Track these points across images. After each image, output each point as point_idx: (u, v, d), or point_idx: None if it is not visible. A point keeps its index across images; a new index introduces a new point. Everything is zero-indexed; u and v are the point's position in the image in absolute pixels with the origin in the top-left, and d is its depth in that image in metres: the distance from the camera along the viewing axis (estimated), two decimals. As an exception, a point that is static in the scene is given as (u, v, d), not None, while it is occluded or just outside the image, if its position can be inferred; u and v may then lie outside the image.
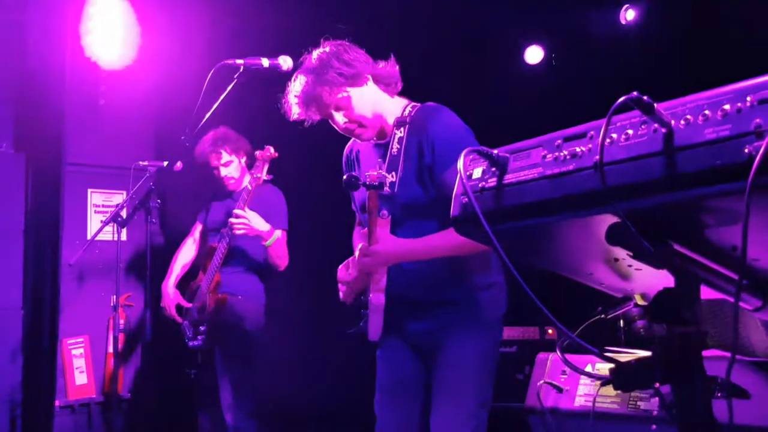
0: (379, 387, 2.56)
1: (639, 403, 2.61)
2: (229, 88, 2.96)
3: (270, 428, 4.38)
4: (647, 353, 1.25)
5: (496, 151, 1.26)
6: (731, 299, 1.10)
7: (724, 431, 1.16)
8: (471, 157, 1.31)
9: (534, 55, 5.17)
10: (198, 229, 4.39)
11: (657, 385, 1.23)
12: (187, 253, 4.35)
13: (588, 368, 2.78)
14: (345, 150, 2.70)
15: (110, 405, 4.82)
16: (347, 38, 2.46)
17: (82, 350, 4.93)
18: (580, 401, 2.80)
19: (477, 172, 1.29)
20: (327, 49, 2.39)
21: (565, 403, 2.83)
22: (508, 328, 4.40)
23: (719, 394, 1.18)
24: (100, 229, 4.46)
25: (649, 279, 1.27)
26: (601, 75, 4.38)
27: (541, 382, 2.92)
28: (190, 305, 4.15)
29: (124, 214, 4.31)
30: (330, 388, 4.99)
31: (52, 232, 4.21)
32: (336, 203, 2.55)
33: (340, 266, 2.51)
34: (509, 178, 1.22)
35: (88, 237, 4.92)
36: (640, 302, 1.40)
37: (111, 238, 4.54)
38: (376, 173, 2.25)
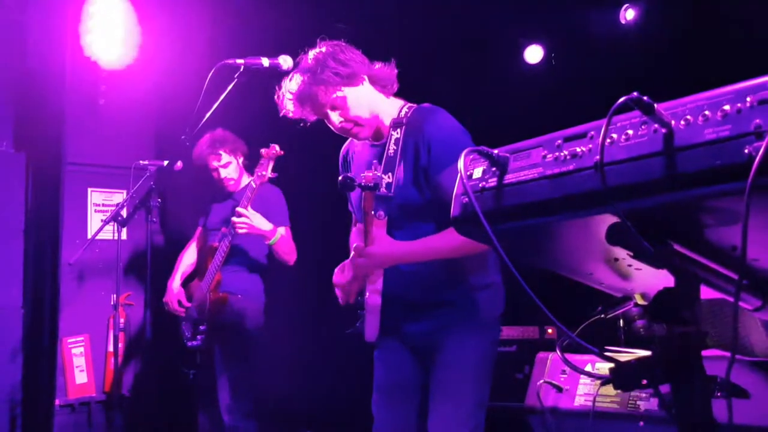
0: (377, 387, 2.57)
1: (639, 402, 2.61)
2: (229, 87, 2.96)
3: (269, 428, 4.38)
4: (647, 353, 1.25)
5: (496, 151, 1.26)
6: (731, 299, 1.10)
7: (723, 431, 1.16)
8: (471, 157, 1.31)
9: (534, 54, 5.17)
10: (199, 233, 4.40)
11: (644, 382, 1.23)
12: (190, 255, 4.37)
13: (588, 368, 2.78)
14: (341, 151, 2.70)
15: (110, 404, 4.82)
16: (344, 38, 2.46)
17: (82, 349, 4.93)
18: (579, 401, 2.80)
19: (477, 172, 1.29)
20: (323, 49, 2.39)
21: (565, 403, 2.83)
22: (508, 328, 4.40)
23: (719, 394, 1.18)
24: (101, 229, 4.46)
25: (649, 279, 1.27)
26: (600, 75, 4.37)
27: (541, 381, 2.92)
28: (189, 304, 4.16)
29: (124, 213, 4.32)
30: (328, 388, 4.99)
31: (52, 231, 4.21)
32: (336, 203, 2.56)
33: (336, 269, 2.52)
34: (509, 178, 1.22)
35: (89, 236, 4.93)
36: (640, 302, 1.40)
37: (111, 237, 4.54)
38: (371, 174, 2.25)
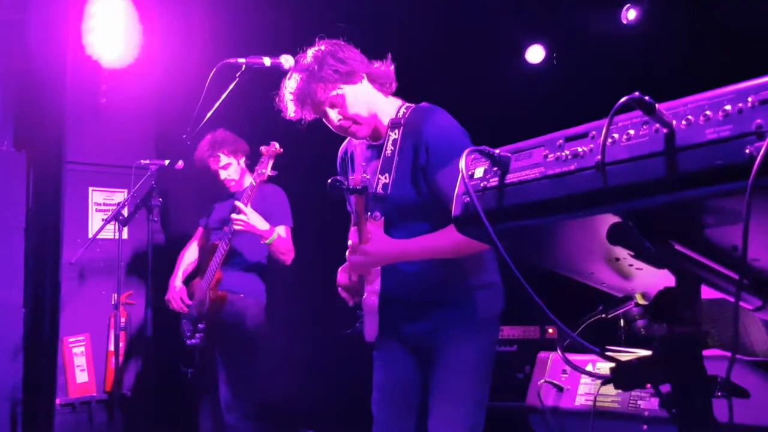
0: (377, 387, 2.57)
1: (639, 402, 2.62)
2: (231, 86, 2.96)
3: (269, 428, 4.38)
4: (648, 353, 1.25)
5: (497, 151, 1.26)
6: (732, 299, 1.10)
7: (724, 431, 1.16)
8: (473, 156, 1.31)
9: (535, 54, 5.17)
10: (200, 232, 4.41)
11: (645, 382, 1.23)
12: (191, 253, 4.38)
13: (588, 367, 2.78)
14: (339, 151, 2.70)
15: (111, 403, 4.83)
16: (344, 38, 2.47)
17: (83, 348, 4.93)
18: (580, 400, 2.80)
19: (479, 172, 1.29)
20: (322, 47, 2.40)
21: (566, 402, 2.83)
22: (509, 327, 4.40)
23: (719, 394, 1.18)
24: (102, 228, 4.47)
25: (650, 278, 1.27)
26: (602, 74, 4.38)
27: (542, 381, 2.92)
28: (190, 302, 4.17)
29: (125, 212, 4.32)
30: (328, 387, 5.00)
31: (53, 230, 4.21)
32: (336, 203, 2.56)
33: (339, 269, 2.52)
34: (511, 177, 1.22)
35: (89, 235, 4.93)
36: (641, 302, 1.40)
37: (112, 237, 4.55)
38: (360, 177, 2.26)
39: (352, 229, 2.73)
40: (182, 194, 4.98)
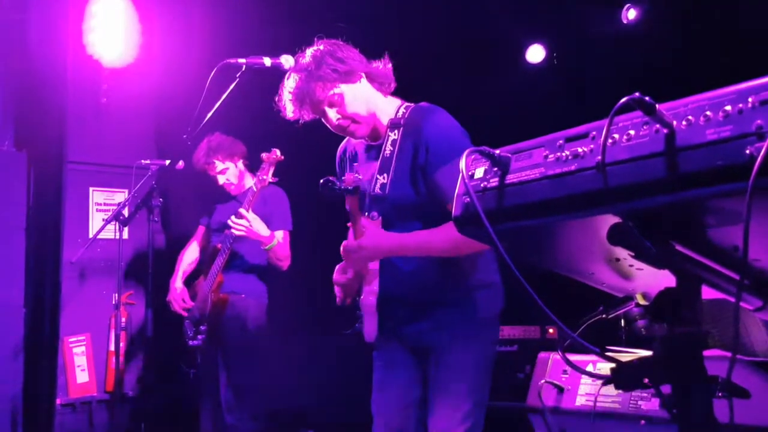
0: (376, 387, 2.57)
1: (640, 403, 2.61)
2: (231, 87, 2.96)
3: (269, 428, 4.38)
4: (648, 353, 1.25)
5: (497, 151, 1.26)
6: (732, 299, 1.10)
7: (724, 431, 1.16)
8: (473, 157, 1.31)
9: (535, 54, 5.17)
10: (201, 231, 4.41)
11: (646, 382, 1.23)
12: (191, 253, 4.38)
13: (589, 368, 2.78)
14: (338, 151, 2.70)
15: (112, 403, 4.83)
16: (344, 38, 2.47)
17: (83, 348, 4.94)
18: (581, 401, 2.80)
19: (479, 172, 1.29)
20: (321, 47, 2.40)
21: (566, 403, 2.83)
22: (509, 327, 4.40)
23: (720, 394, 1.18)
24: (102, 228, 4.47)
25: (651, 279, 1.27)
26: (602, 75, 4.38)
27: (542, 381, 2.92)
28: (192, 304, 4.17)
29: (126, 212, 4.32)
30: (329, 388, 5.00)
31: (53, 230, 4.21)
32: (337, 203, 2.56)
33: (337, 267, 2.51)
34: (511, 178, 1.22)
35: (90, 235, 4.93)
36: (641, 302, 1.40)
37: (113, 237, 4.55)
38: (352, 177, 2.25)
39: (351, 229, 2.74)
40: (183, 194, 4.98)
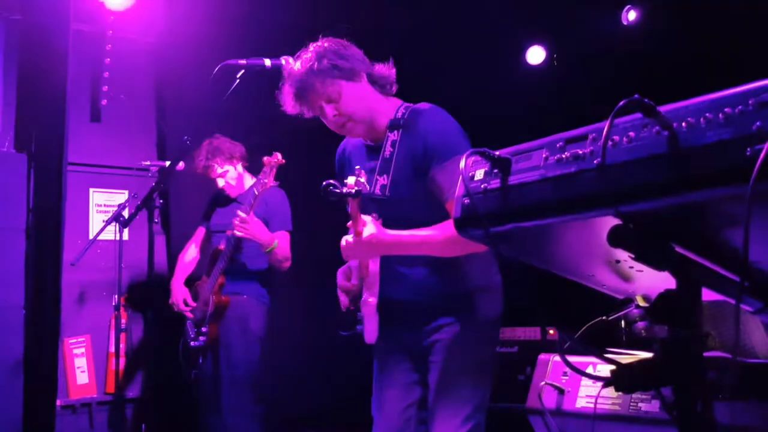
0: (376, 388, 2.57)
1: (640, 404, 2.61)
2: (231, 87, 2.96)
3: (270, 428, 4.38)
4: (648, 355, 1.25)
5: (498, 153, 1.26)
6: (732, 301, 1.10)
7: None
8: (473, 158, 1.31)
9: (536, 55, 5.17)
10: (201, 233, 4.41)
11: (646, 384, 1.23)
12: (191, 254, 4.38)
13: (589, 370, 2.78)
14: (338, 151, 2.70)
15: (112, 405, 4.82)
16: (346, 38, 2.47)
17: (83, 350, 4.93)
18: (581, 402, 2.80)
19: (479, 174, 1.29)
20: (325, 44, 2.40)
21: (567, 405, 2.83)
22: (510, 329, 4.40)
23: (720, 396, 1.18)
24: (103, 229, 4.47)
25: (651, 281, 1.27)
26: (602, 76, 4.38)
27: (543, 383, 2.91)
28: (194, 305, 4.18)
29: (126, 213, 4.32)
30: (329, 388, 5.00)
31: (53, 231, 4.20)
32: (336, 203, 2.56)
33: (339, 270, 2.51)
34: (511, 179, 1.22)
35: (90, 236, 4.93)
36: (642, 304, 1.40)
37: (113, 238, 4.54)
38: (353, 181, 2.25)
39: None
40: (183, 195, 4.98)
